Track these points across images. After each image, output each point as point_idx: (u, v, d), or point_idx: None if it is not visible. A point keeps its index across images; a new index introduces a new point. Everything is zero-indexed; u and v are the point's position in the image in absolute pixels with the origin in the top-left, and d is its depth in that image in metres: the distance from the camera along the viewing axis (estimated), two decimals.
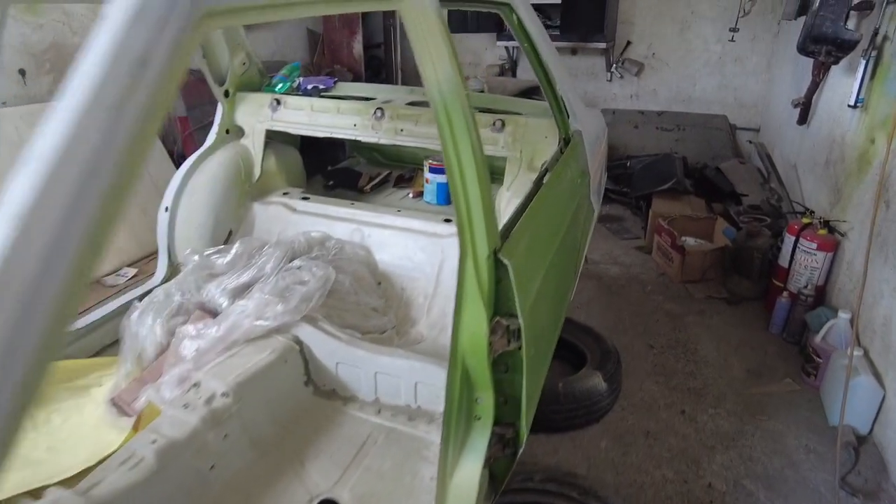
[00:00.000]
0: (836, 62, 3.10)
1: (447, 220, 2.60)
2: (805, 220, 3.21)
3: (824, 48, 2.97)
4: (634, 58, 6.21)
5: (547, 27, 6.19)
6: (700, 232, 4.10)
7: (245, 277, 2.30)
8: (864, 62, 2.88)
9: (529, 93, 5.68)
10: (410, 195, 3.40)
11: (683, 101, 6.20)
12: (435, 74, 1.23)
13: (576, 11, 5.72)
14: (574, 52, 6.44)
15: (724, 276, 3.72)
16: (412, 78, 7.35)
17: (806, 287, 3.05)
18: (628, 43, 6.19)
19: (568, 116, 2.33)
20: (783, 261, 3.30)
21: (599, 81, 6.50)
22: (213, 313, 2.16)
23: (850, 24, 3.03)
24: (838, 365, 2.51)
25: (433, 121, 2.67)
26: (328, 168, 4.00)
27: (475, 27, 6.24)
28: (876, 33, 2.83)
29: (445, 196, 3.07)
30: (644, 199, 4.56)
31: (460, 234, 1.27)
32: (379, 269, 2.71)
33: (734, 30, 5.40)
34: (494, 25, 6.20)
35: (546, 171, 2.01)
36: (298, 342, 1.99)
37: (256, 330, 2.00)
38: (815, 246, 3.05)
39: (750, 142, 5.70)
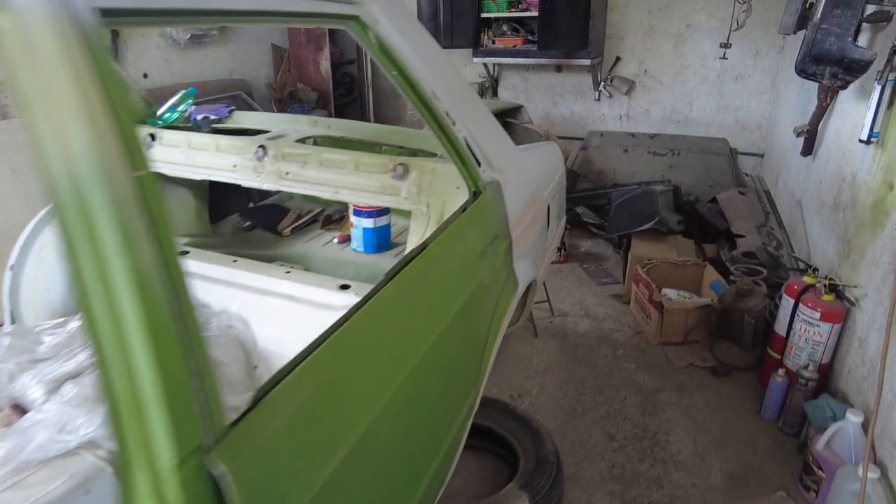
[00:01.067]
0: (844, 87, 2.50)
1: (343, 287, 2.04)
2: (807, 280, 2.59)
3: (828, 69, 2.38)
4: (624, 75, 5.63)
5: (528, 42, 5.67)
6: (685, 281, 3.49)
7: (71, 365, 1.77)
8: (879, 87, 2.28)
9: (506, 116, 5.12)
10: (336, 240, 2.86)
11: (678, 122, 5.60)
12: (59, 145, 0.67)
13: (555, 25, 5.17)
14: (559, 69, 5.89)
15: (710, 339, 3.10)
16: (386, 97, 6.84)
17: (807, 367, 2.43)
18: (617, 59, 5.62)
19: (479, 164, 1.76)
20: (780, 327, 2.68)
21: (587, 101, 5.93)
22: (25, 412, 1.64)
23: (862, 41, 2.43)
24: (845, 489, 1.89)
25: (326, 162, 2.03)
26: (250, 205, 3.46)
27: (448, 42, 5.71)
28: (894, 52, 2.23)
29: (374, 243, 2.53)
30: (625, 237, 3.96)
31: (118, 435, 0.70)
32: (258, 346, 2.16)
33: (726, 45, 4.81)
34: (469, 40, 5.66)
35: (423, 246, 1.44)
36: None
37: (55, 447, 1.45)
38: (818, 315, 2.43)
39: (747, 175, 5.07)
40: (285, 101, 6.10)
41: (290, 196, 3.72)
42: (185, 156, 2.38)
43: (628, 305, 3.66)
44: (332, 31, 6.34)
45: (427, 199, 1.94)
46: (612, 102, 5.81)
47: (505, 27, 5.74)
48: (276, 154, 2.21)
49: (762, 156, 5.36)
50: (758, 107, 5.28)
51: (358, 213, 2.61)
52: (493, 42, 5.71)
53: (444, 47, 5.97)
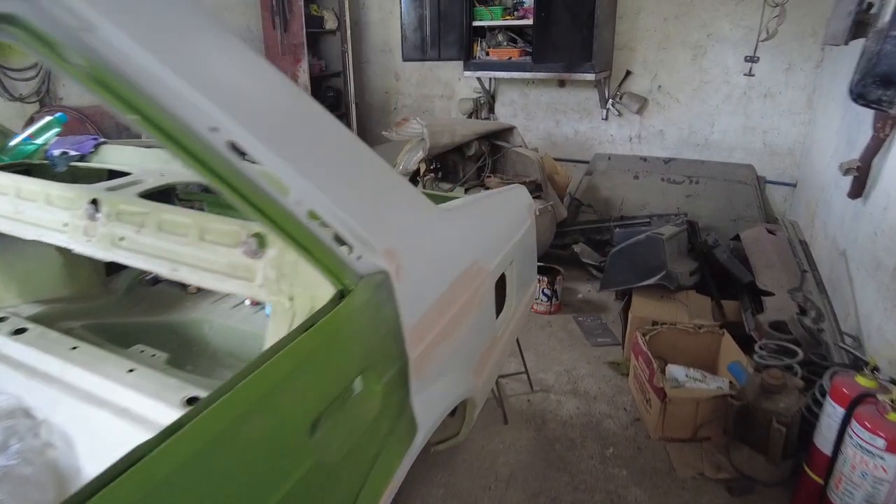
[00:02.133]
0: None
1: (190, 401, 1.43)
2: (862, 382, 1.89)
3: None
4: (636, 91, 4.94)
5: (525, 54, 5.02)
6: (697, 354, 2.79)
7: None
8: None
9: (495, 138, 4.48)
10: (248, 302, 2.28)
11: (698, 145, 4.88)
12: None
13: (553, 35, 4.51)
14: (562, 84, 5.23)
15: (726, 438, 2.39)
16: (376, 113, 6.24)
17: None
18: (627, 73, 4.93)
19: (349, 247, 1.11)
20: (822, 441, 1.97)
21: (593, 120, 5.25)
22: None
23: None
24: None
25: (165, 225, 1.29)
26: None
27: (435, 54, 5.09)
28: None
29: None
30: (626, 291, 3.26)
31: None
32: (82, 475, 1.59)
33: (752, 59, 4.10)
34: (458, 52, 5.04)
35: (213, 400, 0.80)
36: None
37: None
38: (881, 443, 1.72)
39: (776, 219, 4.33)
40: None
41: None
42: (14, 207, 1.78)
43: (627, 377, 2.96)
44: (312, 41, 5.78)
45: (290, 290, 1.31)
46: (621, 122, 5.12)
47: (501, 37, 5.10)
48: (111, 211, 1.59)
49: (794, 186, 4.61)
50: (790, 129, 4.54)
51: None
52: (487, 53, 5.08)
53: (431, 59, 5.37)
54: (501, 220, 1.87)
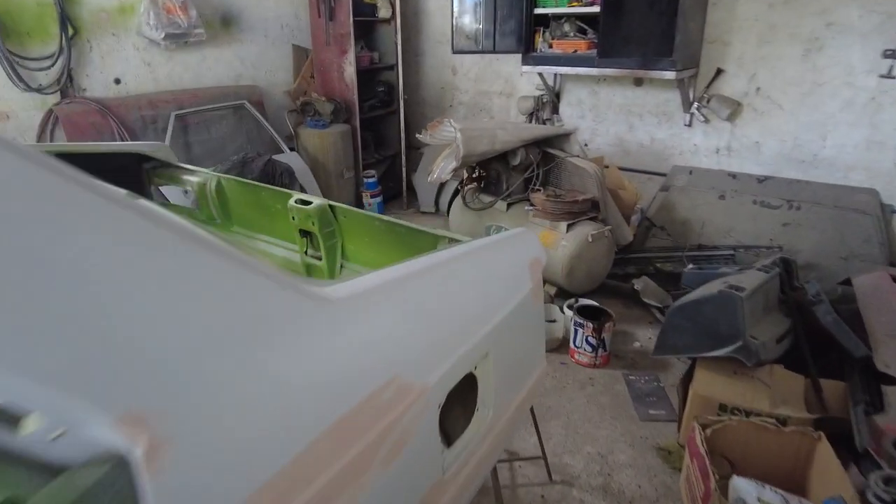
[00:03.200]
0: None
1: None
2: None
3: None
4: (728, 94, 4.09)
5: (594, 46, 4.29)
6: (779, 460, 2.04)
7: None
8: None
9: (548, 145, 3.82)
10: None
11: (803, 162, 3.96)
12: None
13: (625, 25, 3.77)
14: (638, 82, 4.45)
15: None
16: (422, 109, 5.72)
17: None
18: (719, 71, 4.08)
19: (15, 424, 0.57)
20: None
21: (674, 125, 4.43)
22: None
23: None
24: None
25: None
26: None
27: (490, 45, 4.48)
28: None
29: None
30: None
31: None
32: None
33: (894, 54, 3.17)
34: (517, 43, 4.39)
35: None
36: None
37: None
38: None
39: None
40: (300, 111, 5.17)
41: None
42: None
43: (679, 473, 2.26)
44: (364, 30, 5.33)
45: None
46: (707, 130, 4.27)
47: (567, 27, 4.40)
48: None
49: None
50: None
51: None
52: (550, 46, 4.40)
53: (485, 52, 4.74)
54: (471, 293, 1.27)
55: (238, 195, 2.45)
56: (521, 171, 3.82)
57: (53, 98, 3.82)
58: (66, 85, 3.86)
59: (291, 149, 5.12)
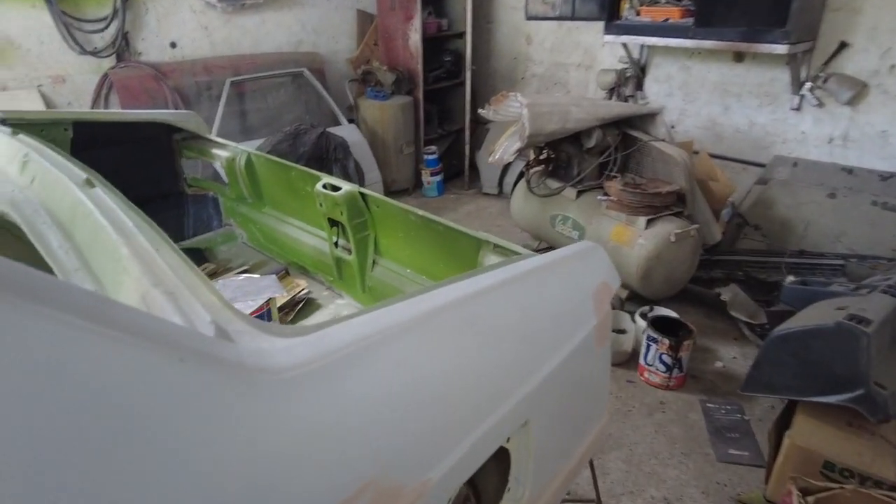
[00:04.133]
0: None
1: None
2: None
3: None
4: (851, 72, 3.44)
5: (689, 14, 3.70)
6: None
7: None
8: None
9: (630, 126, 3.35)
10: None
11: None
12: None
13: None
14: (739, 56, 3.85)
15: None
16: (492, 81, 5.31)
17: None
18: (842, 45, 3.43)
19: None
20: None
21: (778, 109, 3.82)
22: None
23: None
24: None
25: None
26: None
27: (568, 10, 4.01)
28: None
29: None
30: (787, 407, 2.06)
31: None
32: None
33: None
34: (598, 9, 3.89)
35: None
36: None
37: None
38: None
39: None
40: (361, 81, 4.89)
41: (233, 235, 2.51)
42: None
43: None
44: None
45: None
46: (820, 115, 3.64)
47: None
48: None
49: None
50: None
51: None
52: (638, 13, 3.87)
53: (562, 18, 4.26)
54: (508, 342, 0.92)
55: (268, 173, 2.19)
56: (595, 155, 3.38)
57: (109, 62, 3.71)
58: (122, 48, 3.74)
59: (351, 121, 4.86)
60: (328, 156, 3.99)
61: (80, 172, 1.11)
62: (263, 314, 1.56)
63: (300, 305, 2.02)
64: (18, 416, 0.42)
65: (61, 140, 2.03)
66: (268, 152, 3.71)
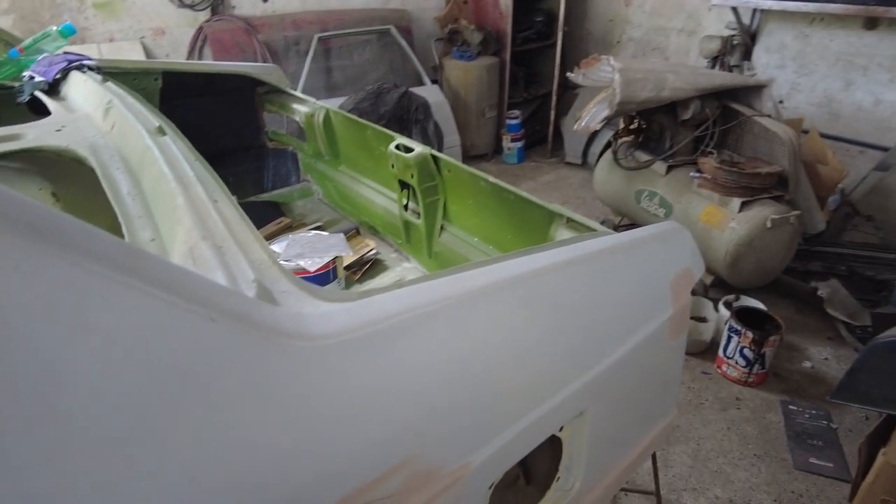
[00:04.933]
0: None
1: None
2: None
3: None
4: None
5: None
6: None
7: None
8: None
9: (732, 98, 3.07)
10: None
11: None
12: None
13: None
14: (871, 23, 3.42)
15: None
16: (584, 44, 5.05)
17: None
18: None
19: None
20: None
21: None
22: None
23: None
24: None
25: None
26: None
27: None
28: None
29: None
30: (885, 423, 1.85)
31: None
32: None
33: None
34: None
35: None
36: None
37: None
38: None
39: None
40: (447, 40, 4.78)
41: (309, 191, 2.54)
42: None
43: None
44: None
45: None
46: None
47: None
48: None
49: None
50: None
51: None
52: None
53: None
54: (571, 323, 0.85)
55: (345, 131, 2.18)
56: (691, 128, 3.13)
57: (204, 15, 3.82)
58: (217, 2, 3.83)
59: (434, 81, 4.79)
60: (409, 116, 3.96)
61: (154, 120, 1.13)
62: (329, 272, 1.56)
63: (367, 266, 2.02)
64: (35, 361, 0.41)
65: (151, 89, 2.10)
66: (349, 111, 3.73)
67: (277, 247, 1.60)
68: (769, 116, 2.95)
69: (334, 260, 1.57)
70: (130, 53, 3.59)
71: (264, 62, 3.97)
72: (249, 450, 0.51)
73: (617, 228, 3.78)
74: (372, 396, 0.61)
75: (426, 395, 0.66)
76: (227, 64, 2.65)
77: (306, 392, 0.56)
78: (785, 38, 3.86)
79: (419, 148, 1.74)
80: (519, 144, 4.90)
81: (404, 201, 1.92)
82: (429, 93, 4.28)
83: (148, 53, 3.67)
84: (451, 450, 0.68)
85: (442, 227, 1.89)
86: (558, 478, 0.94)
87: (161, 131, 1.08)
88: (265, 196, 2.49)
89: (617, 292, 0.93)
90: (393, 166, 1.83)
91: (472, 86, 4.62)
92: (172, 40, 3.78)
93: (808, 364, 2.57)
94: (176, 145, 1.01)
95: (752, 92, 3.04)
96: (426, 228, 1.88)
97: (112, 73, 1.97)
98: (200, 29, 3.80)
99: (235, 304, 0.55)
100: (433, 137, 4.03)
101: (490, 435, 0.72)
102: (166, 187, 0.85)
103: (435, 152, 1.74)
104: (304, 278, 1.55)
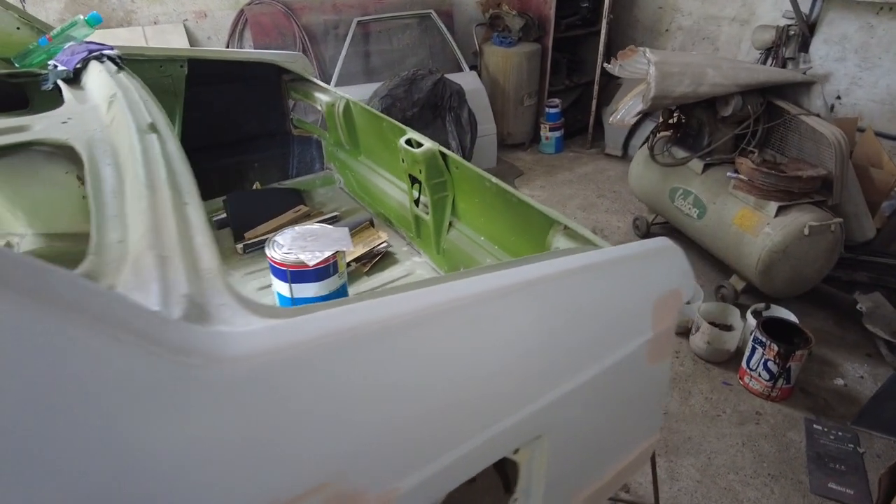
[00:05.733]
0: None
1: None
2: None
3: None
4: None
5: None
6: None
7: None
8: None
9: (778, 95, 2.91)
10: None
11: None
12: None
13: None
14: None
15: None
16: (632, 32, 4.87)
17: None
18: None
19: None
20: None
21: None
22: None
23: None
24: None
25: None
26: (254, 186, 2.46)
27: None
28: None
29: None
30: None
31: None
32: None
33: None
34: None
35: None
36: None
37: None
38: None
39: None
40: (489, 26, 4.69)
41: (332, 178, 2.56)
42: None
43: None
44: None
45: None
46: None
47: None
48: None
49: None
50: None
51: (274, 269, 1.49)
52: None
53: None
54: (529, 341, 0.82)
55: (364, 123, 2.18)
56: (732, 125, 2.98)
57: None
58: None
59: (474, 67, 4.72)
60: (443, 104, 3.92)
61: (149, 116, 1.15)
62: (329, 266, 1.57)
63: (377, 258, 2.02)
64: None
65: (177, 76, 2.15)
66: (383, 97, 3.73)
67: (281, 238, 1.61)
68: (817, 116, 2.77)
69: (335, 254, 1.58)
70: (173, 36, 3.69)
71: (303, 46, 4.01)
72: (145, 477, 0.52)
73: (650, 227, 3.67)
74: (288, 417, 0.61)
75: (352, 418, 0.65)
76: (252, 52, 2.69)
77: (215, 413, 0.56)
78: (848, 28, 3.61)
79: (428, 144, 1.72)
80: (557, 134, 4.79)
81: (415, 196, 1.91)
82: (466, 79, 4.22)
83: (190, 36, 3.76)
84: (378, 473, 0.67)
85: (451, 224, 1.87)
86: (515, 499, 0.92)
87: (153, 128, 1.10)
88: (288, 183, 2.53)
89: (586, 313, 0.89)
90: (403, 160, 1.81)
91: (510, 73, 4.53)
92: (214, 23, 3.85)
93: (840, 381, 2.43)
94: (163, 144, 1.03)
95: (800, 89, 2.86)
96: (434, 224, 1.87)
97: (138, 60, 2.03)
98: (241, 12, 3.85)
99: (145, 323, 0.55)
100: (467, 125, 3.99)
101: (424, 459, 0.71)
102: (137, 188, 0.87)
103: (443, 149, 1.71)
104: (303, 272, 1.58)
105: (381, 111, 3.73)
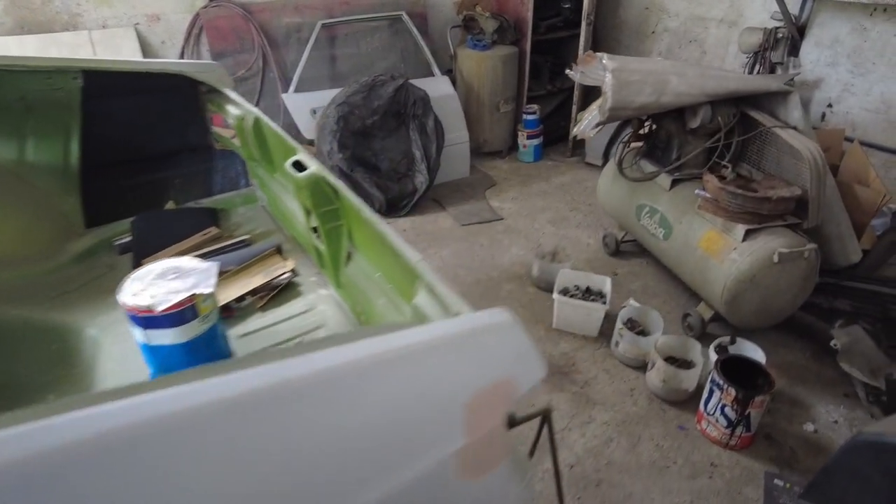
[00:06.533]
0: None
1: None
2: None
3: None
4: None
5: None
6: None
7: None
8: None
9: (752, 104, 2.66)
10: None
11: None
12: None
13: None
14: None
15: None
16: (617, 35, 4.62)
17: None
18: None
19: None
20: None
21: None
22: None
23: None
24: None
25: None
26: (166, 205, 2.28)
27: None
28: None
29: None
30: None
31: None
32: None
33: None
34: None
35: None
36: None
37: None
38: None
39: None
40: (464, 28, 4.47)
41: (254, 198, 2.37)
42: None
43: None
44: None
45: None
46: None
47: None
48: None
49: None
50: None
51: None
52: None
53: None
54: (267, 474, 0.60)
55: (274, 139, 1.97)
56: (702, 138, 2.73)
57: (201, 1, 3.70)
58: None
59: (450, 72, 4.50)
60: (406, 111, 3.71)
61: None
62: (185, 311, 1.37)
63: (276, 290, 1.82)
64: None
65: (70, 88, 1.97)
66: (339, 104, 3.53)
67: (143, 273, 1.41)
68: (794, 129, 2.52)
69: (192, 297, 1.38)
70: (124, 41, 3.52)
71: (263, 50, 3.83)
72: None
73: (619, 245, 3.41)
74: None
75: None
76: (158, 62, 2.50)
77: None
78: (839, 31, 3.33)
79: (313, 167, 1.52)
80: (536, 142, 4.55)
81: (313, 223, 1.70)
82: (434, 85, 4.00)
83: (142, 41, 3.59)
84: None
85: (349, 255, 1.66)
86: None
87: None
88: (207, 201, 2.34)
89: (352, 426, 0.67)
90: (291, 186, 1.61)
91: (485, 77, 4.30)
92: (168, 27, 3.68)
93: (810, 427, 2.18)
94: None
95: (777, 99, 2.60)
96: (330, 256, 1.66)
97: (14, 71, 1.85)
98: (197, 15, 3.68)
99: None
100: (432, 134, 3.77)
101: None
102: None
103: (328, 175, 1.50)
104: (155, 318, 1.38)
105: (339, 119, 3.54)
